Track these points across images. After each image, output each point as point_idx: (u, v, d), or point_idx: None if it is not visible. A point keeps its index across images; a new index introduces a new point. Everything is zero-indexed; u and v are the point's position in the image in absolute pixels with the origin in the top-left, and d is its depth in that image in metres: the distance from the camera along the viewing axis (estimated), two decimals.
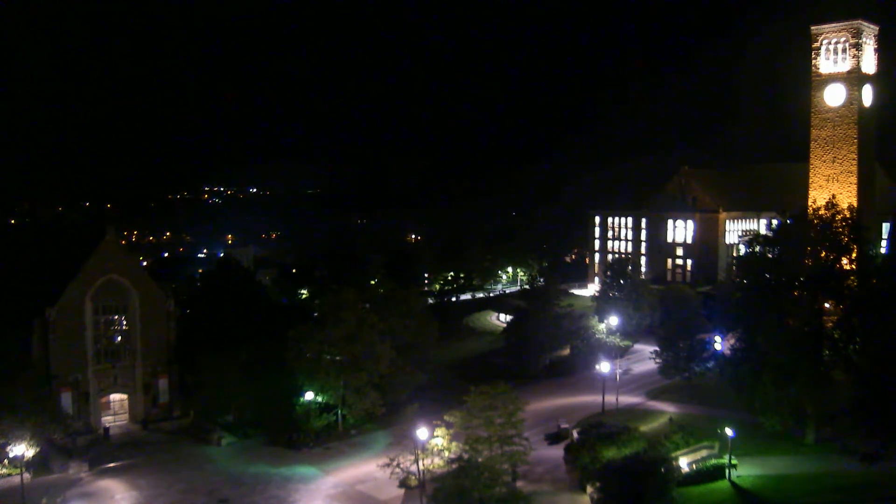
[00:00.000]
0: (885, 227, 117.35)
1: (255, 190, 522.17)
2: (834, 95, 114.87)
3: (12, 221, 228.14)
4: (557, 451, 63.10)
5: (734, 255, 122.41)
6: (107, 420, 75.09)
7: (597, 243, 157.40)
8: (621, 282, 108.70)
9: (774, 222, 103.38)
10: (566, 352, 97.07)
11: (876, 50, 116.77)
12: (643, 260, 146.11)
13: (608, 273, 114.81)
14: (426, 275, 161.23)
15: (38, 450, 59.45)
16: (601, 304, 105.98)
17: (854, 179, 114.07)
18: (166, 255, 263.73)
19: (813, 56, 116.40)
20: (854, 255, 64.46)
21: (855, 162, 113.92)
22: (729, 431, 54.72)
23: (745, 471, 55.86)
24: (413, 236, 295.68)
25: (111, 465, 65.10)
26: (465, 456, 52.47)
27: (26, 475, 57.74)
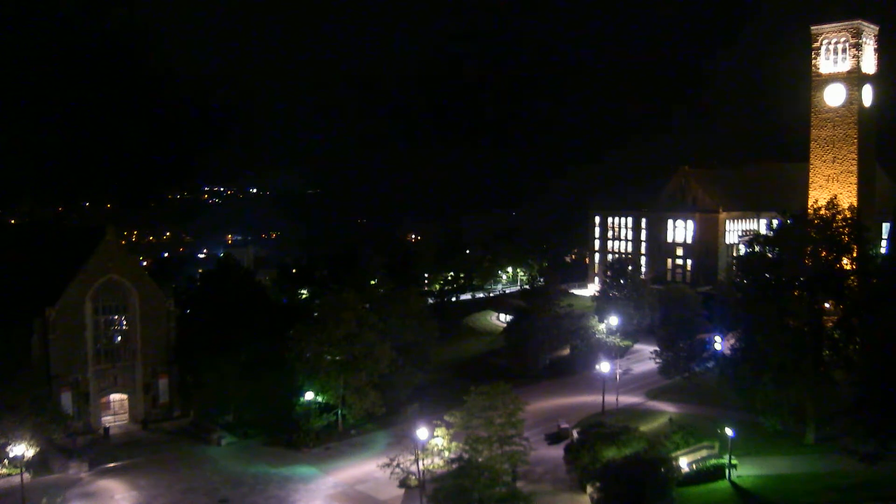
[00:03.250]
0: (885, 227, 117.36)
1: (255, 190, 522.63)
2: (834, 95, 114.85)
3: (12, 221, 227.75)
4: (557, 451, 63.10)
5: (734, 255, 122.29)
6: (107, 420, 75.07)
7: (597, 243, 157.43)
8: (621, 282, 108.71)
9: (774, 222, 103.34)
10: (566, 352, 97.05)
11: (876, 50, 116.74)
12: (643, 260, 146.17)
13: (608, 273, 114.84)
14: (426, 275, 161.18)
15: (38, 450, 59.37)
16: (601, 304, 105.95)
17: (854, 179, 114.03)
18: (166, 255, 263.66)
19: (813, 56, 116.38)
20: (854, 255, 64.45)
21: (855, 162, 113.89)
22: (729, 431, 54.71)
23: (745, 471, 55.86)
24: (413, 236, 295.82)
25: (111, 465, 65.07)
26: (465, 456, 52.48)
27: (26, 475, 57.68)
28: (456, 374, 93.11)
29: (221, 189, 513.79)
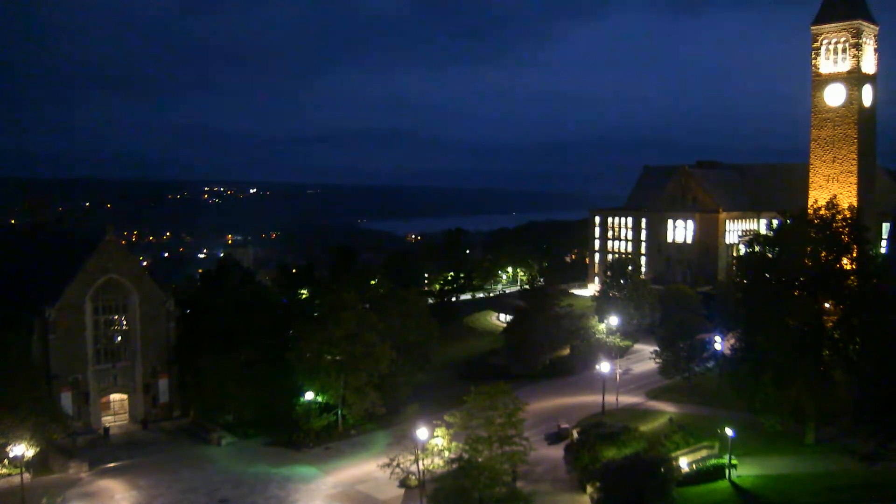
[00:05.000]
0: (885, 227, 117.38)
1: (255, 190, 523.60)
2: (834, 95, 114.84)
3: (12, 221, 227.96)
4: (557, 451, 63.12)
5: (734, 255, 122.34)
6: (107, 420, 75.05)
7: (597, 243, 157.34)
8: (621, 282, 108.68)
9: (774, 222, 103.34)
10: (566, 352, 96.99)
11: (876, 50, 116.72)
12: (643, 260, 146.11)
13: (608, 273, 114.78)
14: (426, 275, 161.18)
15: (38, 450, 59.37)
16: (601, 304, 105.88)
17: (854, 179, 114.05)
18: (166, 255, 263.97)
19: (813, 56, 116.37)
20: (854, 255, 64.42)
21: (855, 162, 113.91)
22: (729, 431, 54.68)
23: (745, 471, 55.82)
24: (413, 236, 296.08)
25: (111, 465, 65.08)
26: (465, 456, 52.48)
27: (26, 475, 57.70)
28: (456, 374, 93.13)
29: (221, 189, 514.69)
